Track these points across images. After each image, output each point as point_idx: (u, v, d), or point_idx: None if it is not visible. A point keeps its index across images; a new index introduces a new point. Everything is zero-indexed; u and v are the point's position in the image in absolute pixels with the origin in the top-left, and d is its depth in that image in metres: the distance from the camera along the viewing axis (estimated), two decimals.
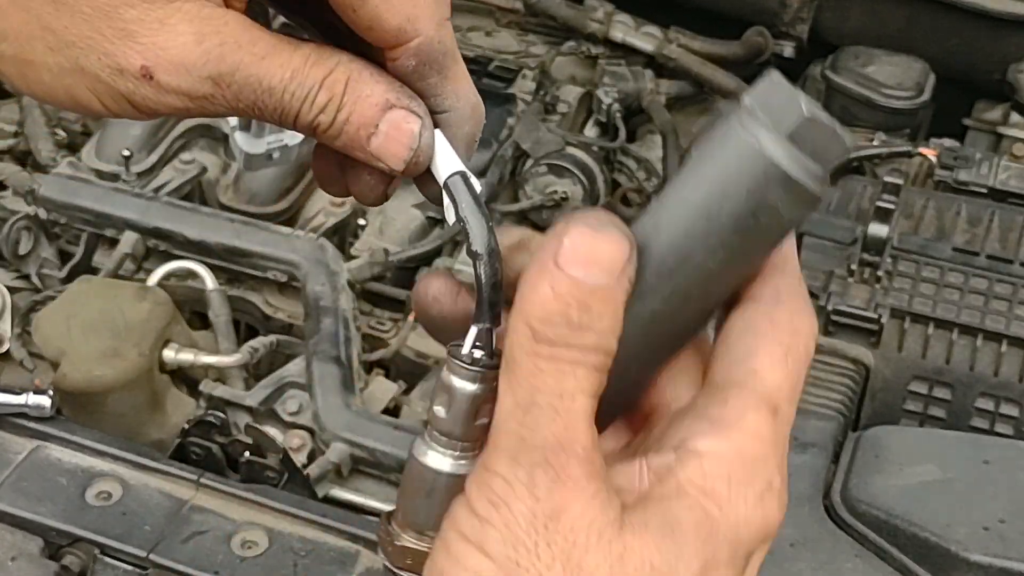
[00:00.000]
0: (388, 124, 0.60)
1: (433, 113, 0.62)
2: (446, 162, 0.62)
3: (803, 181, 0.53)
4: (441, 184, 0.61)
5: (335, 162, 0.65)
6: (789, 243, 0.57)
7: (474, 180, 0.61)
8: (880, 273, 1.48)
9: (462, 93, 0.63)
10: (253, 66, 0.59)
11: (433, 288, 0.62)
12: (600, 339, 0.51)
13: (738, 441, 0.52)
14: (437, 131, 0.62)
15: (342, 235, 1.82)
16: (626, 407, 0.58)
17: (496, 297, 0.58)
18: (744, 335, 0.55)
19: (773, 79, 0.54)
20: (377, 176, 0.63)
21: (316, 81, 0.60)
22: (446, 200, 0.61)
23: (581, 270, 0.51)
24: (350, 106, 0.60)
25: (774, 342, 0.54)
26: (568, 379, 0.51)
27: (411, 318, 1.69)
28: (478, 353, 0.56)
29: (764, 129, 0.53)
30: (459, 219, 0.60)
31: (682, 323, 0.56)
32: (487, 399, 0.55)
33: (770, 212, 0.54)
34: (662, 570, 0.51)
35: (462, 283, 0.62)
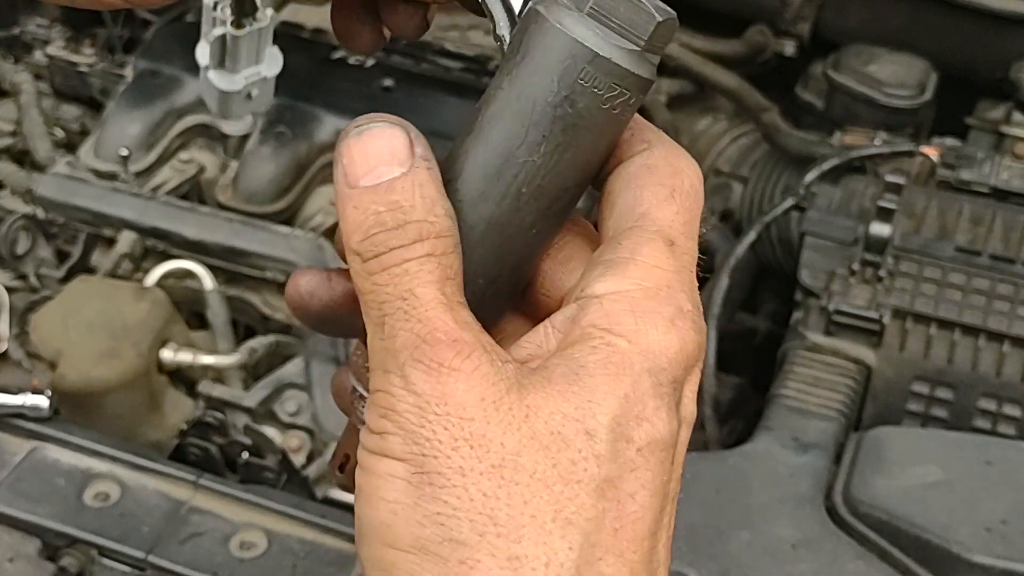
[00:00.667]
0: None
1: None
2: None
3: (611, 56, 0.52)
4: None
5: (358, 5, 0.62)
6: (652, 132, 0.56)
7: None
8: (882, 273, 1.47)
9: None
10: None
11: (303, 284, 0.60)
12: (421, 227, 0.51)
13: (636, 275, 0.52)
14: None
15: None
16: (512, 295, 0.57)
17: None
18: (625, 188, 0.55)
19: None
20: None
21: None
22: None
23: (370, 177, 0.52)
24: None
25: (656, 184, 0.54)
26: (403, 279, 0.51)
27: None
28: None
29: (563, 10, 0.53)
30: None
31: (531, 217, 0.54)
32: None
33: (587, 96, 0.52)
34: (575, 416, 0.50)
35: (327, 269, 0.60)
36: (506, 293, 0.56)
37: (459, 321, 0.51)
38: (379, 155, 0.52)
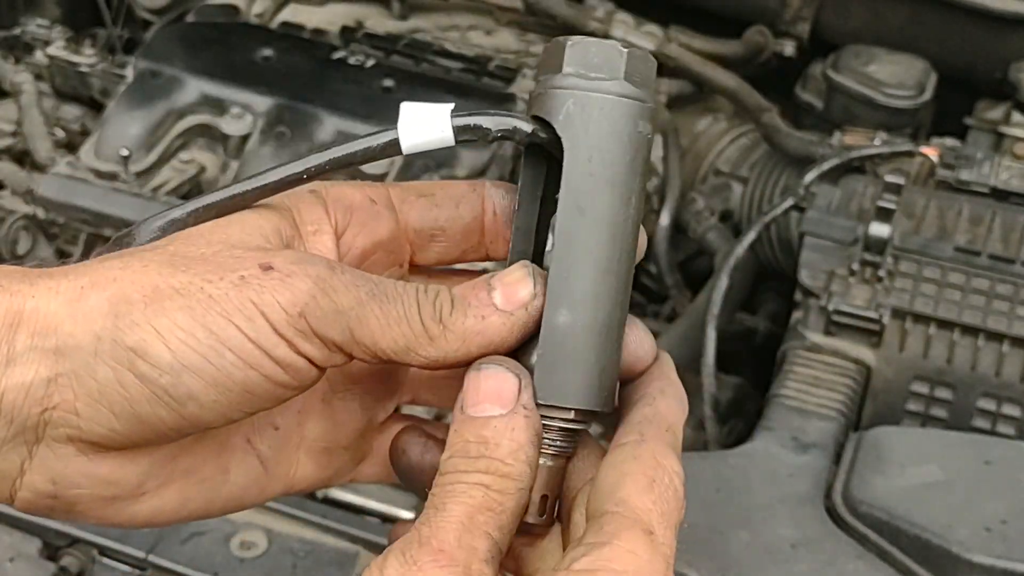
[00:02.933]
0: (497, 279, 0.63)
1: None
2: (432, 119, 0.64)
3: (650, 103, 0.64)
4: (454, 140, 0.64)
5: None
6: (664, 402, 0.65)
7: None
8: (881, 273, 1.47)
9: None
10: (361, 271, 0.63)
11: (401, 441, 0.70)
12: (492, 464, 0.59)
13: (612, 559, 0.56)
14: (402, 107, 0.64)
15: None
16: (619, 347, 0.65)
17: None
18: (610, 473, 0.61)
19: (577, 41, 0.63)
20: None
21: (418, 281, 0.63)
22: None
23: (475, 409, 0.60)
24: (460, 288, 0.63)
25: (638, 473, 0.60)
26: (448, 494, 0.59)
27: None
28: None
29: (607, 83, 0.63)
30: (497, 137, 0.64)
31: (631, 262, 0.65)
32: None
33: (645, 143, 0.64)
34: None
35: (431, 435, 0.69)
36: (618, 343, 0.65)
37: (463, 543, 0.57)
38: (488, 393, 0.61)
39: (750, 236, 1.58)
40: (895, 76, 1.85)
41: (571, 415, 0.64)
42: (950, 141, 1.75)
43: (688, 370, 1.68)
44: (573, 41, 0.63)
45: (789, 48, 2.02)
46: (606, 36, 2.03)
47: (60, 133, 1.96)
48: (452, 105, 0.63)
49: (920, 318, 1.45)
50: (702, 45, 2.04)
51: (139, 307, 0.59)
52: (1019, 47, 1.87)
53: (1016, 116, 1.85)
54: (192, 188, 1.83)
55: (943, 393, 1.44)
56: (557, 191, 0.65)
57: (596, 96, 0.62)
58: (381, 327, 0.60)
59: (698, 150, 2.04)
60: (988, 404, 1.43)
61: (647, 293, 1.98)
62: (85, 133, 1.98)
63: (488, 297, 0.62)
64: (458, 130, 0.63)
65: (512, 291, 0.62)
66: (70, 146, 1.95)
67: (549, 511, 0.65)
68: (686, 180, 2.00)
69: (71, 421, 0.60)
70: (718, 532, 1.16)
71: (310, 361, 0.61)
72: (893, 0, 1.93)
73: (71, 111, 2.01)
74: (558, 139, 0.63)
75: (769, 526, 1.17)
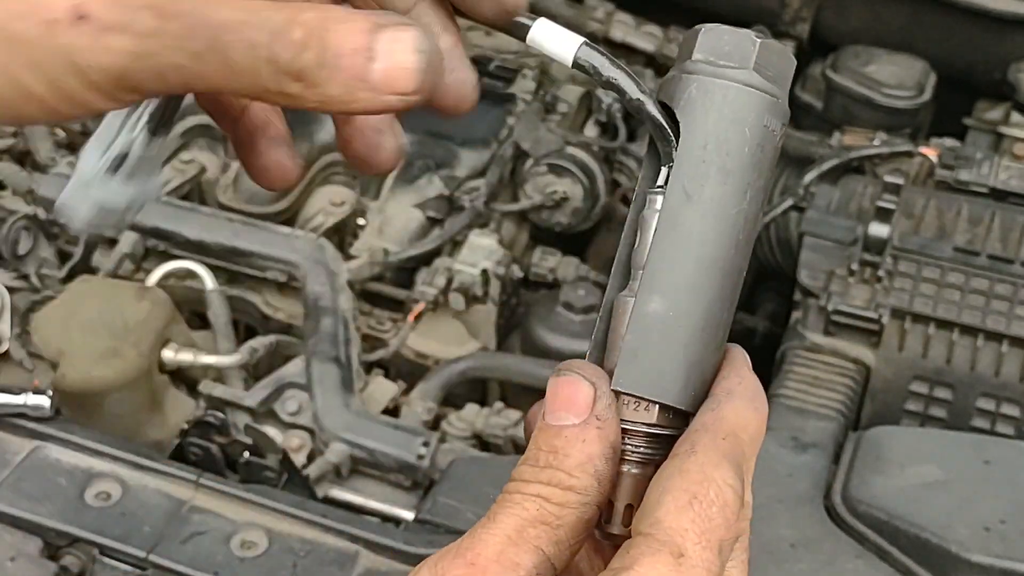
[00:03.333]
0: (384, 41, 0.51)
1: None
2: (562, 41, 0.63)
3: (781, 99, 0.61)
4: (571, 65, 0.62)
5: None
6: (728, 405, 0.60)
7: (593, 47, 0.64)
8: (881, 273, 1.47)
9: None
10: (200, 1, 0.51)
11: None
12: (557, 475, 0.57)
13: None
14: (541, 19, 0.62)
15: (342, 235, 1.82)
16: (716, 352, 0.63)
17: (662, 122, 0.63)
18: (654, 490, 0.57)
19: (710, 28, 0.62)
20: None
21: (284, 19, 0.51)
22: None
23: (552, 417, 0.58)
24: (335, 37, 0.51)
25: (679, 490, 0.56)
26: (507, 503, 0.57)
27: (411, 318, 1.69)
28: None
29: (734, 71, 0.61)
30: (607, 83, 0.62)
31: (744, 260, 0.61)
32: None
33: (771, 139, 0.61)
34: None
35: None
36: (725, 331, 0.63)
37: (504, 557, 0.56)
38: (563, 400, 0.59)
39: None
40: (894, 76, 1.85)
41: (655, 416, 0.60)
42: (949, 141, 1.76)
43: None
44: (707, 28, 0.62)
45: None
46: (606, 36, 2.04)
47: (60, 133, 1.97)
48: (582, 40, 0.62)
49: (919, 318, 1.45)
50: None
51: None
52: (1018, 48, 1.88)
53: (1015, 116, 1.85)
54: (192, 189, 1.83)
55: (942, 393, 1.44)
56: (653, 183, 0.63)
57: (721, 83, 0.60)
58: (223, 77, 0.52)
59: None
60: (987, 404, 1.43)
61: None
62: (86, 133, 1.98)
63: (364, 69, 0.51)
64: (580, 57, 0.62)
65: (395, 75, 0.51)
66: (70, 146, 1.96)
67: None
68: None
69: None
70: None
71: (131, 101, 0.54)
72: (892, 1, 1.94)
73: None
74: (676, 124, 0.61)
75: (769, 525, 1.18)
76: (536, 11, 2.02)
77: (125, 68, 0.52)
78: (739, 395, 0.61)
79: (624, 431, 0.60)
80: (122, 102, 0.53)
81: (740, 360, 0.63)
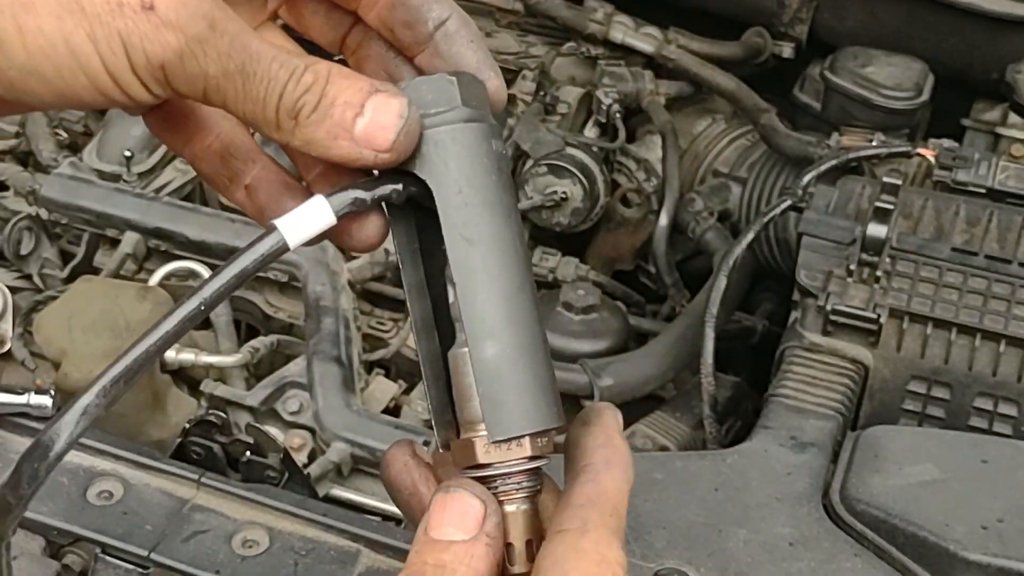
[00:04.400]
0: (374, 104, 0.59)
1: (438, 25, 0.65)
2: (313, 215, 0.62)
3: (492, 121, 0.64)
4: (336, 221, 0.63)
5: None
6: (608, 476, 0.62)
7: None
8: (879, 273, 1.48)
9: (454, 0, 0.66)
10: (246, 29, 0.58)
11: (392, 457, 0.68)
12: None
13: None
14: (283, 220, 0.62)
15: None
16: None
17: None
18: (552, 570, 0.59)
19: (407, 85, 0.63)
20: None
21: (301, 63, 0.59)
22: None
23: (437, 532, 0.59)
24: (336, 88, 0.59)
25: (578, 572, 0.59)
26: None
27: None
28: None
29: (449, 114, 0.63)
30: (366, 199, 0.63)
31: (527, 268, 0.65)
32: None
33: (504, 160, 0.64)
34: None
35: (419, 461, 0.68)
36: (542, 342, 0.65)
37: None
38: (451, 516, 0.60)
39: (748, 236, 1.59)
40: (892, 77, 1.86)
41: (528, 448, 0.63)
42: (947, 142, 1.76)
43: (686, 370, 1.69)
44: (404, 85, 0.63)
45: (787, 50, 2.03)
46: (605, 38, 2.04)
47: (63, 134, 1.97)
48: (321, 197, 0.62)
49: (917, 318, 1.45)
50: (701, 47, 2.05)
51: None
52: (1016, 48, 1.88)
53: (1013, 117, 1.85)
54: (193, 189, 1.84)
55: (940, 392, 1.45)
56: (433, 240, 0.65)
57: (444, 129, 0.62)
58: (236, 99, 0.58)
59: (697, 151, 2.05)
60: (985, 403, 1.44)
61: (646, 293, 1.99)
62: (88, 134, 1.99)
63: (351, 122, 0.59)
64: (339, 211, 0.62)
65: (375, 132, 0.59)
66: (73, 147, 1.96)
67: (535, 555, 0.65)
68: (685, 181, 2.01)
69: None
70: (716, 530, 1.17)
71: (156, 97, 0.59)
72: (890, 1, 1.94)
73: (74, 112, 2.02)
74: (426, 184, 0.63)
75: (767, 524, 1.18)
76: (536, 13, 2.03)
77: (168, 63, 0.57)
78: (616, 464, 0.63)
79: (506, 473, 0.63)
80: (152, 96, 0.59)
81: (612, 425, 0.65)
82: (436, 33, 0.65)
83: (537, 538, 0.64)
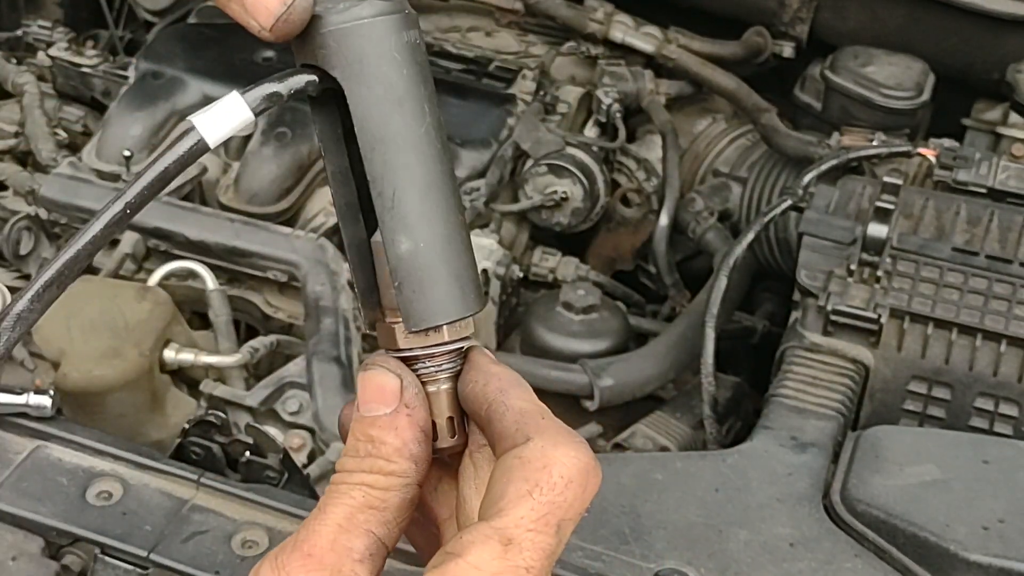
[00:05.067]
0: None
1: None
2: (227, 111, 0.63)
3: (411, 10, 0.64)
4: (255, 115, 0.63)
5: None
6: (510, 398, 0.64)
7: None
8: (879, 273, 1.48)
9: None
10: None
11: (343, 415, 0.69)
12: (377, 463, 0.62)
13: (456, 572, 0.58)
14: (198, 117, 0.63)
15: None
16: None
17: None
18: (496, 480, 0.62)
19: None
20: None
21: None
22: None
23: (365, 408, 0.63)
24: None
25: (520, 479, 0.60)
26: (332, 495, 0.62)
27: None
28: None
29: (358, 7, 0.62)
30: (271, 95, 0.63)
31: (445, 150, 0.65)
32: None
33: (418, 50, 0.63)
34: None
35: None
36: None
37: (337, 545, 0.60)
38: (373, 392, 0.63)
39: (749, 236, 1.59)
40: (893, 77, 1.86)
41: (446, 334, 0.65)
42: (948, 142, 1.76)
43: (687, 370, 1.69)
44: None
45: (788, 49, 2.03)
46: (605, 37, 2.04)
47: (62, 134, 1.97)
48: (236, 93, 0.62)
49: (918, 318, 1.45)
50: (701, 46, 2.05)
51: None
52: (1016, 48, 1.88)
53: (1013, 117, 1.85)
54: (193, 189, 1.84)
55: (941, 392, 1.45)
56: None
57: (353, 25, 0.62)
58: None
59: (697, 151, 2.05)
60: (985, 403, 1.44)
61: (646, 293, 1.99)
62: (87, 134, 1.99)
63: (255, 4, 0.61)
64: (255, 106, 0.62)
65: (258, 7, 0.62)
66: (72, 147, 1.96)
67: (460, 429, 0.67)
68: (685, 180, 2.01)
69: None
70: (717, 530, 1.17)
71: None
72: (891, 1, 1.94)
73: (73, 112, 2.02)
74: (330, 78, 0.63)
75: (768, 525, 1.18)
76: (536, 12, 2.03)
77: None
78: (511, 386, 0.65)
79: (425, 356, 0.65)
80: None
81: (483, 361, 0.67)
82: None
83: (458, 415, 0.67)
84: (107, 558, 1.16)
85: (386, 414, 0.63)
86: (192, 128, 0.62)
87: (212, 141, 0.62)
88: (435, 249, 0.64)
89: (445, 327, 0.65)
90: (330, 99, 0.66)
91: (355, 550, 0.60)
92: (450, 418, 0.67)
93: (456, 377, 0.67)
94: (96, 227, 0.62)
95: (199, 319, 1.69)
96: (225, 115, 0.62)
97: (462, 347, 0.67)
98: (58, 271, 0.62)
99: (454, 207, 0.65)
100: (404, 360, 0.66)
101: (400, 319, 0.65)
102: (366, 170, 0.63)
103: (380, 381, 0.64)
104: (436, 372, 0.66)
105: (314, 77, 0.63)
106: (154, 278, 1.64)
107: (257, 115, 0.62)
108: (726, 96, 2.01)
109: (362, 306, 0.68)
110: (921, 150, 1.70)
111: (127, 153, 1.78)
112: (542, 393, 1.86)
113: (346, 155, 0.67)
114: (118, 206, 0.62)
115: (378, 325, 0.68)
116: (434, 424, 0.66)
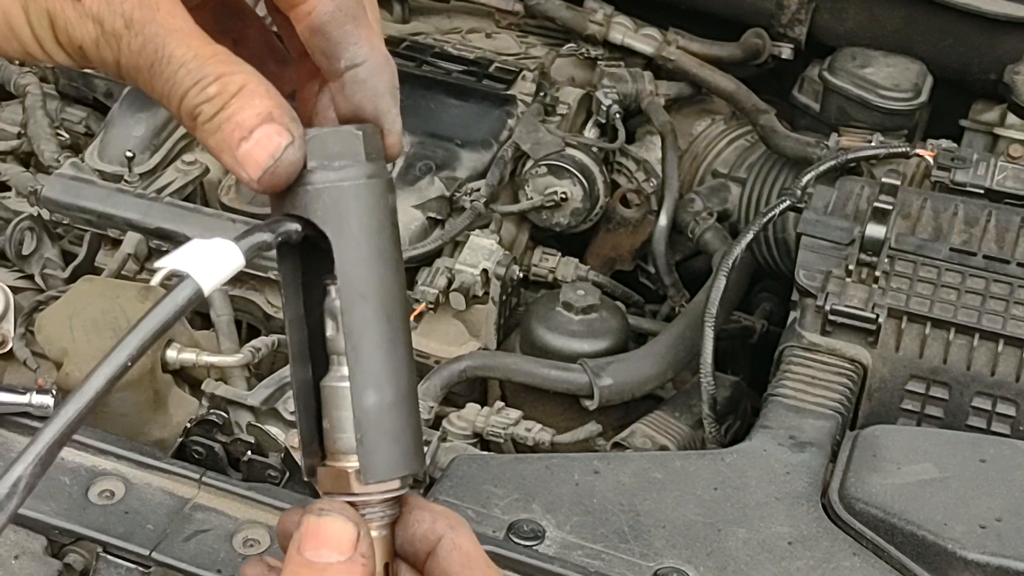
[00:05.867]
0: (262, 133, 0.63)
1: (349, 68, 0.67)
2: (220, 257, 0.64)
3: (389, 174, 0.66)
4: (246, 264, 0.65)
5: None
6: (461, 532, 0.69)
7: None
8: (877, 273, 1.48)
9: (375, 43, 0.68)
10: (164, 30, 0.63)
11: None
12: None
13: None
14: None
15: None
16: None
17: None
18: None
19: (314, 135, 0.64)
20: None
21: (214, 73, 0.63)
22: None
23: (313, 554, 0.62)
24: (236, 107, 0.63)
25: None
26: None
27: (411, 318, 1.70)
28: None
29: (352, 169, 0.64)
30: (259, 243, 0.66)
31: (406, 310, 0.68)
32: None
33: (394, 210, 0.67)
34: None
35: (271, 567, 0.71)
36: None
37: None
38: (327, 539, 0.63)
39: (747, 236, 1.59)
40: (891, 78, 1.86)
41: (398, 483, 0.68)
42: (945, 142, 1.77)
43: (686, 369, 1.69)
44: (311, 134, 0.65)
45: (786, 51, 2.04)
46: (605, 39, 2.05)
47: (65, 135, 1.98)
48: (227, 241, 0.64)
49: (916, 318, 1.46)
50: (700, 48, 2.05)
51: None
52: (1014, 49, 1.88)
53: (1011, 118, 1.86)
54: (195, 190, 1.84)
55: (938, 392, 1.45)
56: (318, 276, 0.67)
57: (347, 185, 0.64)
58: (145, 87, 0.64)
59: (696, 151, 2.06)
60: (983, 403, 1.44)
61: (646, 293, 1.99)
62: (90, 135, 1.99)
63: (236, 143, 0.63)
64: (248, 253, 0.64)
65: (249, 161, 0.63)
66: (75, 148, 1.96)
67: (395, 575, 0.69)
68: (684, 181, 2.02)
69: None
70: (715, 529, 1.17)
71: (78, 64, 0.66)
72: (889, 2, 1.95)
73: (76, 113, 2.03)
74: (323, 232, 0.65)
75: (766, 523, 1.18)
76: (536, 14, 2.04)
77: (86, 46, 0.63)
78: (456, 523, 0.70)
79: (376, 503, 0.67)
80: (76, 63, 0.66)
81: (424, 500, 0.71)
82: (346, 74, 0.67)
83: (393, 561, 0.69)
84: (109, 557, 1.17)
85: (340, 562, 0.62)
86: (188, 277, 0.63)
87: (207, 289, 0.63)
88: (397, 405, 0.66)
89: (398, 479, 0.68)
90: (295, 249, 0.68)
91: None
92: (387, 564, 0.68)
93: (393, 524, 0.69)
94: (95, 384, 0.61)
95: (201, 319, 1.70)
96: (219, 262, 0.63)
97: (400, 496, 0.69)
98: (62, 432, 0.63)
99: (411, 365, 0.68)
100: (353, 505, 0.67)
101: (351, 464, 0.67)
102: (345, 324, 0.65)
103: (337, 528, 0.63)
104: (380, 518, 0.68)
105: (298, 227, 0.65)
106: (156, 278, 1.64)
107: (248, 261, 0.64)
108: (725, 97, 2.02)
109: (303, 453, 0.69)
110: (919, 151, 1.71)
111: (129, 154, 1.78)
112: (542, 392, 1.87)
113: (302, 304, 0.69)
114: (120, 357, 0.62)
115: (322, 469, 0.69)
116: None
